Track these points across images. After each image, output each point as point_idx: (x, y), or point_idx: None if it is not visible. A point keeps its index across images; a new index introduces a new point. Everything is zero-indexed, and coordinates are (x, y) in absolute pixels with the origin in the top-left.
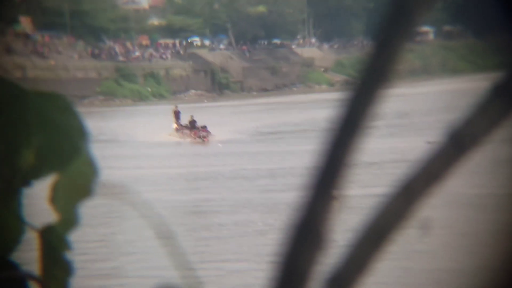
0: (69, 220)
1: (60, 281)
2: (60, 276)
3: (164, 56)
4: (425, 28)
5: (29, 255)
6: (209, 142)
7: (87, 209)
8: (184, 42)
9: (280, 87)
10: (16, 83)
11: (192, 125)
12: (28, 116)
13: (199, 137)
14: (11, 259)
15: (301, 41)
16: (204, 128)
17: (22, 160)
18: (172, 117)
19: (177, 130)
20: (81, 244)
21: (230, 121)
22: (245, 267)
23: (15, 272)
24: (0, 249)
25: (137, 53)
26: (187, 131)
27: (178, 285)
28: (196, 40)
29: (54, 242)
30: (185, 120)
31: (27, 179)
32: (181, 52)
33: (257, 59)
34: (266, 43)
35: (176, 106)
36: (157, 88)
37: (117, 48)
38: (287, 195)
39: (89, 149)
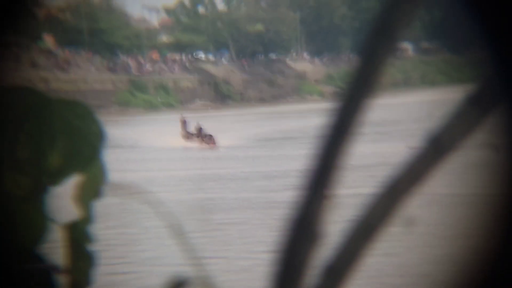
0: (88, 216)
1: (84, 271)
2: (84, 267)
3: (172, 70)
4: (405, 45)
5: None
6: (215, 148)
7: (105, 207)
8: (190, 57)
9: (277, 98)
10: (42, 92)
11: (199, 132)
12: (54, 122)
13: (207, 143)
14: (37, 251)
15: (295, 56)
16: (211, 135)
17: (48, 161)
18: (179, 125)
19: (184, 137)
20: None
21: (232, 128)
22: (247, 259)
23: (41, 265)
24: (27, 242)
25: (149, 67)
26: (195, 138)
27: (189, 276)
28: (201, 55)
29: (77, 236)
30: (191, 127)
31: (53, 178)
32: (188, 66)
33: (255, 72)
34: (263, 57)
35: (183, 116)
36: (167, 98)
37: (131, 63)
38: (284, 195)
39: (102, 153)
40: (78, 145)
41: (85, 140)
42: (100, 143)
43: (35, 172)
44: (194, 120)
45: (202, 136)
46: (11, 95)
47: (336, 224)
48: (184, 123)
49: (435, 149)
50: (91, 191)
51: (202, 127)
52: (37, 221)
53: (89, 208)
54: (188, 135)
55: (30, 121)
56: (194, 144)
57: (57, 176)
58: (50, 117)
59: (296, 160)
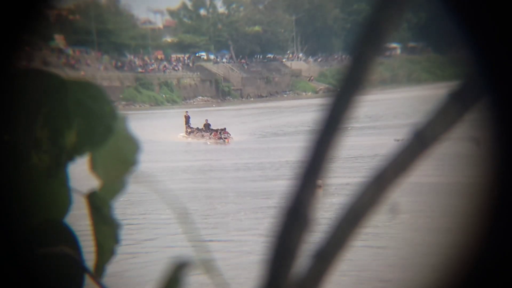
0: (112, 186)
1: (110, 235)
2: (109, 231)
3: (176, 68)
4: (393, 45)
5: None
6: (229, 143)
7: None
8: (192, 56)
9: (273, 94)
10: (56, 74)
11: (207, 128)
12: (68, 103)
13: (221, 138)
14: (64, 222)
15: (290, 55)
16: (224, 130)
17: (65, 140)
18: (184, 121)
19: (187, 132)
20: None
21: (232, 122)
22: (244, 242)
23: (54, 249)
24: (54, 214)
25: (154, 65)
26: (205, 133)
27: (191, 257)
28: (203, 54)
29: (99, 204)
30: (194, 122)
31: (71, 155)
32: (190, 64)
33: (253, 70)
34: (261, 57)
35: (186, 112)
36: (170, 94)
37: (137, 61)
38: (279, 183)
39: (127, 127)
40: (92, 124)
41: (98, 119)
42: (113, 121)
43: (53, 150)
44: (197, 115)
45: (217, 131)
46: (27, 78)
47: (326, 211)
48: (187, 119)
49: (420, 142)
50: (114, 163)
51: (209, 123)
52: (60, 194)
53: (114, 179)
54: (192, 131)
55: (46, 102)
56: (199, 139)
57: (74, 153)
58: (65, 98)
59: (291, 152)
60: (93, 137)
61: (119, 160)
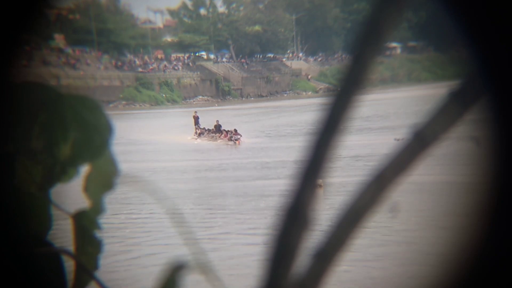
0: (98, 206)
1: (92, 256)
2: (92, 252)
3: (176, 68)
4: (393, 44)
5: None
6: (240, 144)
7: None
8: (192, 56)
9: (273, 94)
10: (54, 87)
11: (217, 129)
12: (65, 115)
13: (232, 139)
14: (48, 239)
15: (290, 55)
16: (235, 131)
17: (61, 152)
18: (192, 122)
19: (197, 133)
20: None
21: (232, 122)
22: (242, 244)
23: (50, 248)
24: (38, 230)
25: (154, 65)
26: (215, 135)
27: (188, 261)
28: (203, 54)
29: (85, 224)
30: (195, 123)
31: (65, 167)
32: (190, 64)
33: (254, 70)
34: (261, 56)
35: (195, 112)
36: (171, 94)
37: (137, 61)
38: (279, 183)
39: (111, 147)
40: (88, 136)
41: (94, 132)
42: (109, 134)
43: (48, 161)
44: (198, 114)
45: (228, 133)
46: (25, 90)
47: (327, 210)
48: (196, 119)
49: (420, 141)
50: (101, 183)
51: (220, 123)
52: (45, 210)
53: (99, 199)
54: (202, 132)
55: (43, 114)
56: (218, 141)
57: (69, 165)
58: (61, 110)
59: (291, 151)
60: (89, 149)
61: (104, 181)
